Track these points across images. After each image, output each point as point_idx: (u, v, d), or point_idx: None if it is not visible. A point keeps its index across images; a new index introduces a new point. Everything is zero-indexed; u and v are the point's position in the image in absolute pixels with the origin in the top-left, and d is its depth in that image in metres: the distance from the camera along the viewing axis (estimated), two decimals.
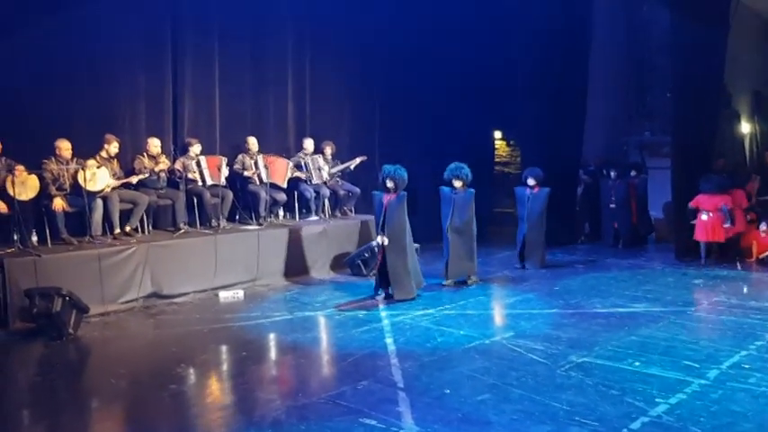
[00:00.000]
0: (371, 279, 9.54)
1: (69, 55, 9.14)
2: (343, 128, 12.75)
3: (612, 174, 13.01)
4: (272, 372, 6.66)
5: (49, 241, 8.59)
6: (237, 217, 10.57)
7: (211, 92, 10.87)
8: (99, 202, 8.84)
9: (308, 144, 11.51)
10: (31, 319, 7.42)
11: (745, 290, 9.35)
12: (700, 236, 11.10)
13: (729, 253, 11.21)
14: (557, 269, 10.84)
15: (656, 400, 5.37)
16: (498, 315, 8.53)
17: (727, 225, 10.92)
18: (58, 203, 8.56)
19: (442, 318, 8.01)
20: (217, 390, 6.17)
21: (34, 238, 8.49)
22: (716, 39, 11.23)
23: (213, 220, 10.02)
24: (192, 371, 6.43)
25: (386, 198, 8.85)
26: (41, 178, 8.49)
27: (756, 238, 11.16)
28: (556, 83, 12.85)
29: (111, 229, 9.00)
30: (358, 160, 11.72)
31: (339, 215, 11.63)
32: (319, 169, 11.39)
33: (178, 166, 9.91)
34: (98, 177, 8.79)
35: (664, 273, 10.51)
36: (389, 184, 8.89)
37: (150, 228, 9.59)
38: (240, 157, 10.72)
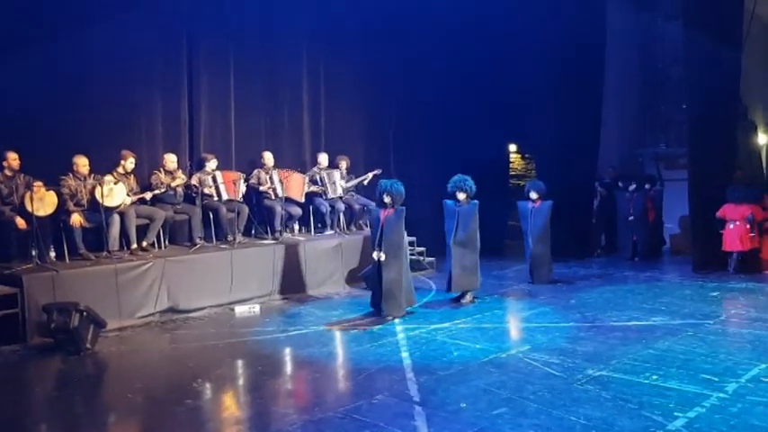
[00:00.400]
0: None
1: (85, 71, 9.27)
2: (358, 142, 12.81)
3: (631, 186, 12.96)
4: (288, 386, 6.65)
5: (66, 257, 8.67)
6: (253, 232, 10.61)
7: (227, 107, 10.97)
8: (116, 217, 8.92)
9: (323, 159, 11.58)
10: (49, 334, 7.46)
11: (763, 302, 9.25)
12: (729, 245, 11.11)
13: (749, 264, 11.17)
14: (573, 282, 10.80)
15: (675, 413, 5.31)
16: (514, 328, 8.49)
17: (751, 234, 10.98)
18: (76, 219, 8.64)
19: (458, 331, 7.99)
20: (233, 404, 6.17)
21: (52, 254, 8.57)
22: (730, 51, 11.20)
23: (229, 235, 10.06)
24: (208, 385, 6.44)
25: (383, 213, 8.71)
26: (59, 194, 8.58)
27: None
28: (570, 96, 12.84)
29: (128, 244, 9.08)
30: (371, 175, 11.75)
31: (354, 229, 11.65)
32: (335, 183, 11.43)
33: (194, 181, 9.98)
34: (115, 193, 8.87)
35: (681, 285, 10.44)
36: (386, 199, 8.74)
37: (167, 243, 9.67)
38: (256, 171, 10.80)
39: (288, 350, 7.61)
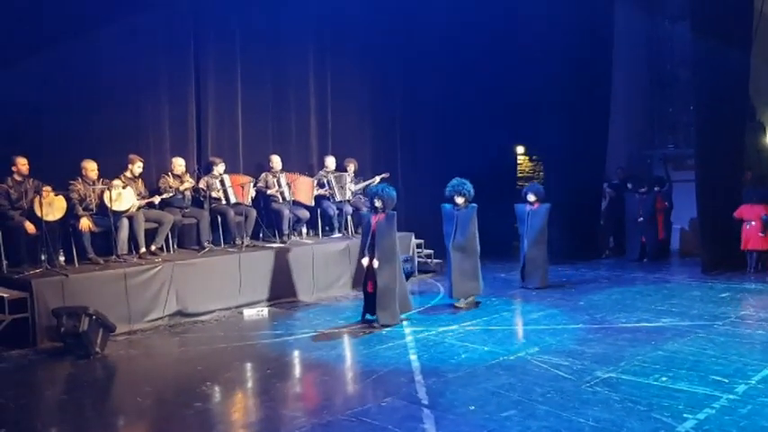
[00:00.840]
0: None
1: (93, 76, 9.32)
2: (366, 145, 12.82)
3: (642, 189, 12.92)
4: (297, 389, 6.66)
5: (75, 261, 8.72)
6: (261, 235, 10.63)
7: (234, 111, 11.00)
8: (125, 221, 8.95)
9: (330, 162, 11.59)
10: (59, 338, 7.50)
11: None
12: (752, 244, 11.20)
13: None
14: (581, 284, 10.77)
15: (684, 415, 5.30)
16: (522, 330, 8.46)
17: (762, 234, 11.07)
18: (85, 223, 8.68)
19: (466, 334, 7.98)
20: (242, 407, 6.18)
21: (61, 258, 8.60)
22: (738, 51, 11.17)
23: (237, 239, 10.08)
24: (217, 388, 6.45)
25: (374, 219, 8.48)
26: (68, 199, 8.62)
27: None
28: (578, 97, 12.83)
29: (137, 248, 9.11)
30: (378, 178, 11.75)
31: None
32: (343, 187, 11.44)
33: (202, 185, 10.02)
34: (124, 197, 8.91)
35: (690, 287, 10.42)
36: (377, 203, 8.51)
37: (175, 246, 9.70)
38: (263, 175, 10.82)
39: (296, 353, 7.62)
